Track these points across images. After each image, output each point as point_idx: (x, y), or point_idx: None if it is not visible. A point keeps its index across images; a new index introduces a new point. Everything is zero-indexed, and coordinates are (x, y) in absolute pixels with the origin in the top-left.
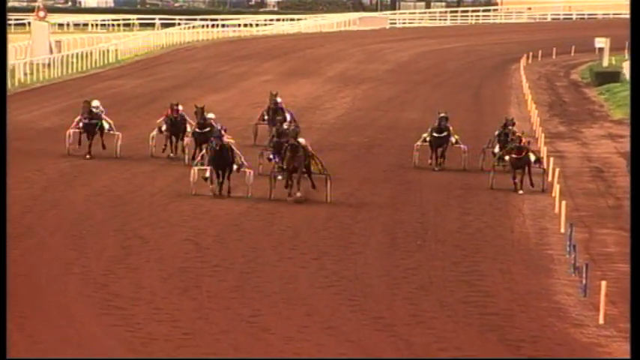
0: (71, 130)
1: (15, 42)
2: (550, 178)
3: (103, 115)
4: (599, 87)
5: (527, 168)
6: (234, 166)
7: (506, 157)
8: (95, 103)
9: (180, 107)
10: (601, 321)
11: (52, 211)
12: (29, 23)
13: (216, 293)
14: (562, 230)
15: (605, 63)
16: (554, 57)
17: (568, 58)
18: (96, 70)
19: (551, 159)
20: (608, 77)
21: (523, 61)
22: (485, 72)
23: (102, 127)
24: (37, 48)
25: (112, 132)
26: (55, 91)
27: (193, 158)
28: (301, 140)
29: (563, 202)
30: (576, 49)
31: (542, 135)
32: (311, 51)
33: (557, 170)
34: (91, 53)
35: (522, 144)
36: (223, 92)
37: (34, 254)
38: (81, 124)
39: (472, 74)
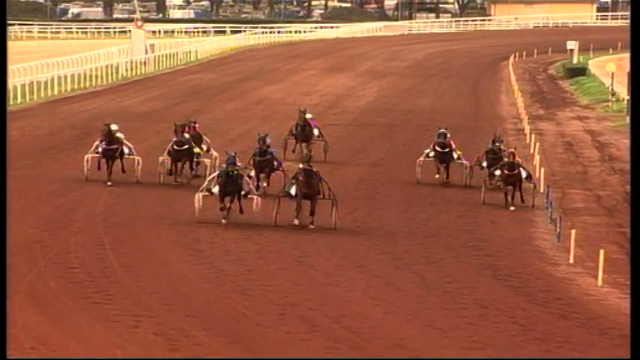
0: (89, 155)
1: (119, 45)
2: (532, 151)
3: (123, 140)
4: (570, 79)
5: (518, 184)
6: (242, 192)
7: (497, 173)
8: (114, 127)
9: (196, 125)
10: (571, 260)
11: (148, 175)
12: (129, 30)
13: (273, 239)
14: (541, 190)
15: (575, 61)
16: (535, 56)
17: (546, 57)
18: (180, 66)
19: (533, 135)
20: (577, 72)
21: (511, 60)
22: (481, 68)
23: (122, 152)
24: (136, 50)
25: (132, 156)
26: (150, 83)
27: (170, 174)
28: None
29: (542, 169)
30: (552, 50)
31: (526, 117)
32: (346, 51)
33: (538, 144)
34: (177, 54)
35: (515, 160)
36: (278, 84)
37: (132, 208)
38: (100, 150)
39: (471, 69)
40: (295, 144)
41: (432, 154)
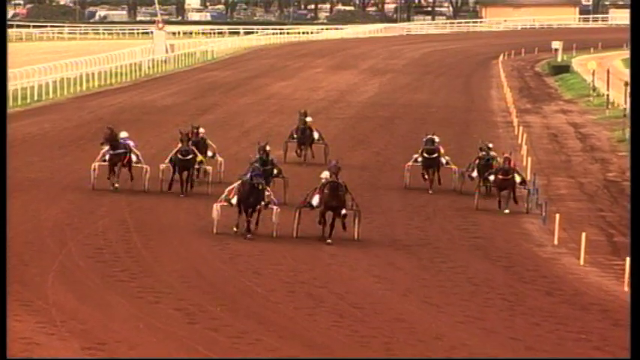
0: (96, 164)
1: (142, 45)
2: (519, 141)
3: (132, 147)
4: (554, 76)
5: (512, 188)
6: (262, 203)
7: (491, 178)
8: (123, 134)
9: (201, 130)
10: (555, 242)
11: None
12: (151, 32)
13: (283, 224)
14: (528, 178)
15: (559, 59)
16: (523, 55)
17: (533, 56)
18: (198, 64)
19: (521, 127)
20: (561, 69)
21: (501, 58)
22: (473, 66)
23: (130, 159)
24: (157, 49)
25: (139, 164)
26: (170, 80)
27: (170, 187)
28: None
29: (529, 158)
30: (539, 49)
31: (515, 110)
32: (350, 51)
33: (525, 135)
34: (195, 53)
35: (509, 165)
36: (288, 80)
37: (154, 197)
38: (107, 156)
39: (464, 67)
40: (296, 147)
41: (420, 159)
